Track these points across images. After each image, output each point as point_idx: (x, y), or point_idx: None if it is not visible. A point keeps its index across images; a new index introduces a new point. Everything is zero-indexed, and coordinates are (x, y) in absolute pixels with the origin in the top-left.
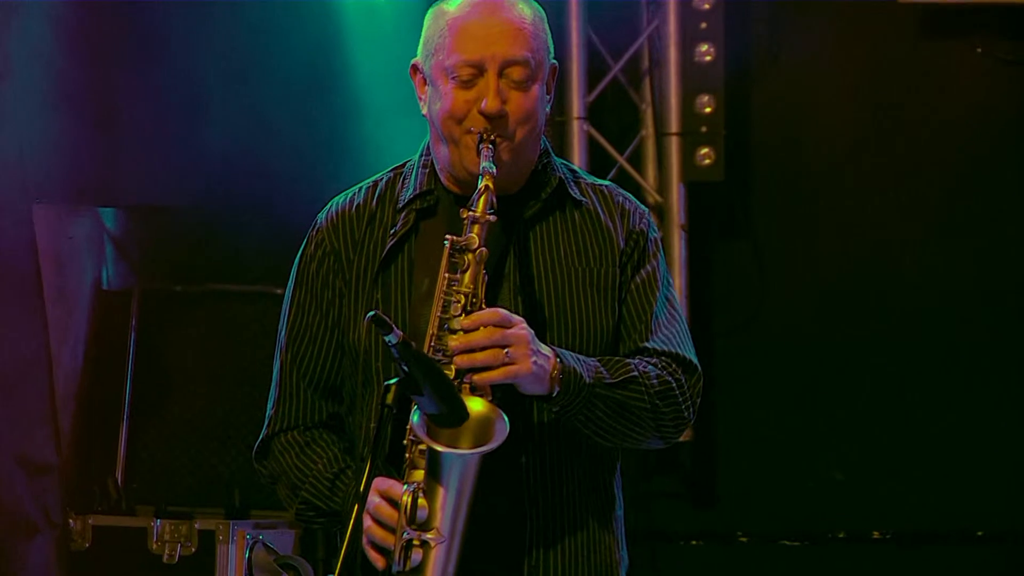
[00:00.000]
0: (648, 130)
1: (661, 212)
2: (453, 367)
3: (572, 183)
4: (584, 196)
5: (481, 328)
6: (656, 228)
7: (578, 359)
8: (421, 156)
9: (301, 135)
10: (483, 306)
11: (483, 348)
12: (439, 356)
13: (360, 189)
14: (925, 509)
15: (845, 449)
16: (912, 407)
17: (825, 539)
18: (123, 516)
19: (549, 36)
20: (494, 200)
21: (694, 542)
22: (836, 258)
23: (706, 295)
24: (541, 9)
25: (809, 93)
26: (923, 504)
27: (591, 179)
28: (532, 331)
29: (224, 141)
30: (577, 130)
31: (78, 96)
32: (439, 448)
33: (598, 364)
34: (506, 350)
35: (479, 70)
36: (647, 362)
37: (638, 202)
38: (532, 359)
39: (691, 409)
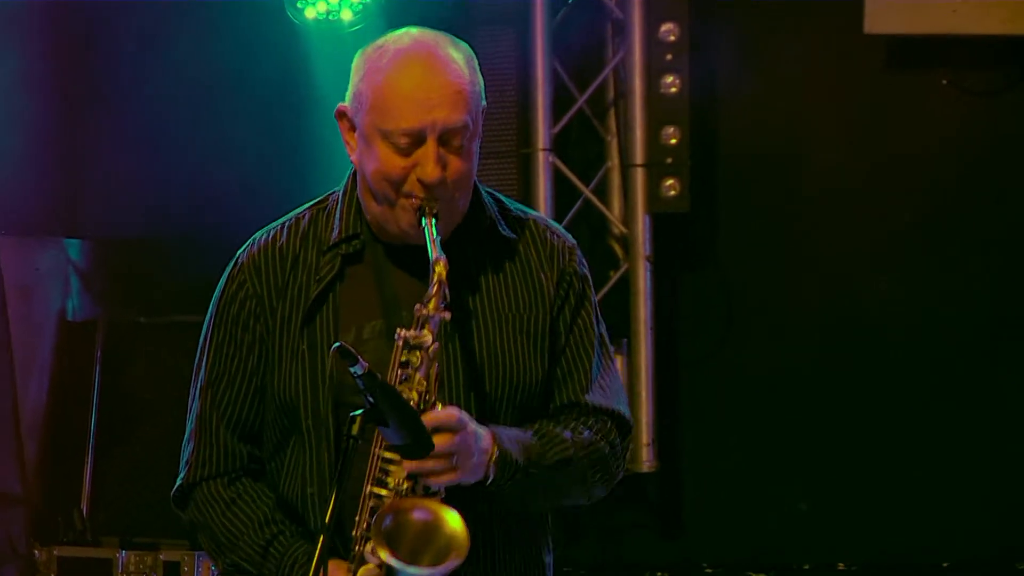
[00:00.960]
0: (613, 161)
1: (626, 243)
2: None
3: (500, 220)
4: (513, 232)
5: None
6: (584, 262)
7: (514, 440)
8: (345, 195)
9: (266, 166)
10: (435, 402)
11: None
12: (388, 456)
13: (281, 227)
14: (891, 540)
15: (811, 480)
16: (878, 437)
17: (791, 570)
18: (88, 547)
19: (481, 79)
20: (447, 292)
21: (660, 573)
22: (803, 288)
23: (672, 326)
24: (470, 49)
25: (775, 125)
26: (889, 535)
27: (517, 209)
28: (472, 425)
29: (188, 173)
30: (543, 161)
31: (44, 129)
32: (402, 567)
33: (533, 441)
34: (454, 456)
35: (418, 138)
36: (583, 425)
37: (565, 234)
38: (472, 460)
39: (622, 468)
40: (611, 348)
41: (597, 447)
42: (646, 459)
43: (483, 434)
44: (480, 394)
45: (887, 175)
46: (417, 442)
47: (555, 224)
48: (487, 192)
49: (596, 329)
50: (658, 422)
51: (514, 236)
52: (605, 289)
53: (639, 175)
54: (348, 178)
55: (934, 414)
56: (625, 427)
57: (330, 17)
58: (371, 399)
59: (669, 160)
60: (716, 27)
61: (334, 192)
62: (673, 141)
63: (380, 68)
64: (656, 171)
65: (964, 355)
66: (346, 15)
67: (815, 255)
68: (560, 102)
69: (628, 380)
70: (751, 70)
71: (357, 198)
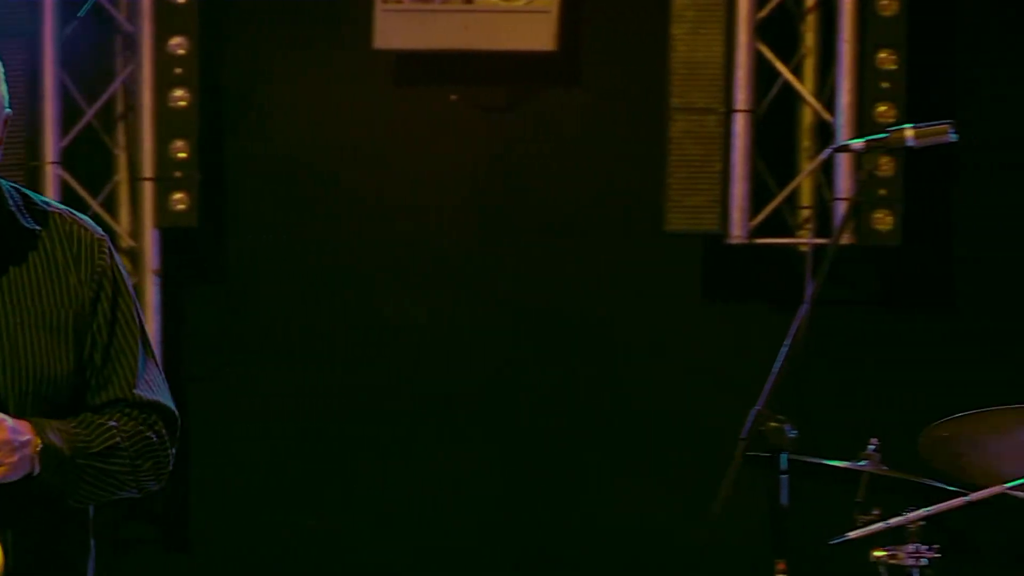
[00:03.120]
0: (122, 175)
1: (135, 257)
2: None
3: (24, 211)
4: (37, 224)
5: None
6: (115, 253)
7: (56, 430)
8: None
9: None
10: None
11: None
12: None
13: None
14: (396, 558)
15: (320, 496)
16: (389, 454)
17: None
18: None
19: (5, 88)
20: None
21: None
22: (313, 304)
23: (180, 341)
24: None
25: (287, 139)
26: (393, 554)
27: (42, 202)
28: (8, 420)
29: None
30: (51, 175)
31: None
32: None
33: (78, 430)
34: None
35: None
36: (128, 416)
37: (94, 226)
38: (16, 455)
39: (171, 459)
40: (149, 338)
41: (144, 436)
42: None
43: (21, 427)
44: (1, 388)
45: (399, 191)
46: None
47: (83, 216)
48: (11, 186)
49: (138, 322)
50: None
51: (38, 228)
52: None
53: (148, 189)
54: None
55: (449, 433)
56: (172, 419)
57: None
58: None
59: (178, 174)
60: (226, 41)
61: None
62: (182, 155)
63: None
64: (165, 185)
65: (489, 371)
66: None
67: (326, 271)
68: (70, 115)
69: None
70: (261, 85)
71: None
